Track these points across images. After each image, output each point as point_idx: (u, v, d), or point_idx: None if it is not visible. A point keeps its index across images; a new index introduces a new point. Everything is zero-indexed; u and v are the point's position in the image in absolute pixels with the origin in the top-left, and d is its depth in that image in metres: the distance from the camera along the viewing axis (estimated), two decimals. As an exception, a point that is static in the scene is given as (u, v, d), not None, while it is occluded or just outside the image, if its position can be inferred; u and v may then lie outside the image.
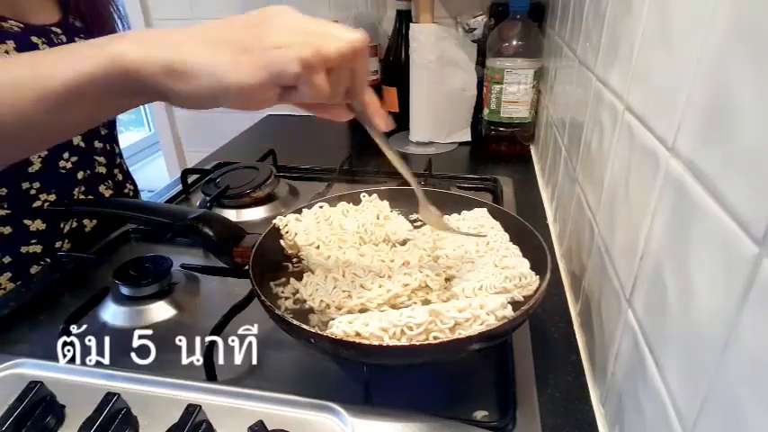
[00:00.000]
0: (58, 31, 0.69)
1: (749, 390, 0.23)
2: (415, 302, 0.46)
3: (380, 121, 0.42)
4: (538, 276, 0.47)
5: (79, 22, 0.74)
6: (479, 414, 0.42)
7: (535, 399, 0.43)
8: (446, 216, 0.58)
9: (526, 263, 0.49)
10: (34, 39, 0.65)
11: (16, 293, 0.60)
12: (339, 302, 0.45)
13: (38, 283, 0.62)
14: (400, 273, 0.48)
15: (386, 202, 0.61)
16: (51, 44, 0.67)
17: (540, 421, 0.41)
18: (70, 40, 0.71)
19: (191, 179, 0.89)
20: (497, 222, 0.56)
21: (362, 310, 0.45)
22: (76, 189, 0.72)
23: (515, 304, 0.44)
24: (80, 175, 0.73)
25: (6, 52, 0.61)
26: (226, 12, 1.22)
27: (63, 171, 0.70)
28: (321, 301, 0.45)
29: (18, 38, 0.63)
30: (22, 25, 0.65)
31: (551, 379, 0.47)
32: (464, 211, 0.59)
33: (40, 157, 0.67)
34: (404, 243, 0.56)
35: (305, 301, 0.47)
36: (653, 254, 0.35)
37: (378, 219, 0.58)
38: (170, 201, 0.83)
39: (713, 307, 0.26)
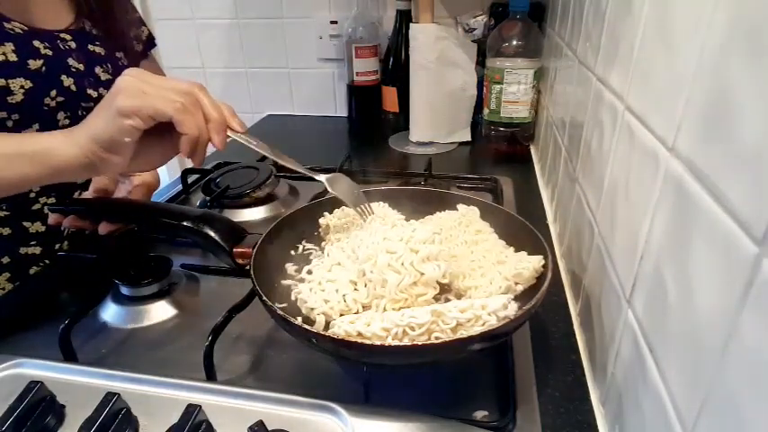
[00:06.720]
0: (68, 37, 0.68)
1: (749, 390, 0.23)
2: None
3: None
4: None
5: (95, 30, 0.73)
6: (479, 414, 0.42)
7: (535, 399, 0.43)
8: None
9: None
10: (36, 43, 0.63)
11: (16, 293, 0.60)
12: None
13: (38, 283, 0.62)
14: None
15: (391, 210, 0.58)
16: (56, 51, 0.65)
17: (540, 421, 0.41)
18: (82, 48, 0.69)
19: (191, 179, 0.89)
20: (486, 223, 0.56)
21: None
22: (76, 193, 0.72)
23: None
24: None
25: (3, 54, 0.60)
26: (225, 12, 1.22)
27: None
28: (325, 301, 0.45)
29: (19, 40, 0.61)
30: (26, 28, 0.63)
31: (551, 379, 0.47)
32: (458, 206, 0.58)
33: None
34: None
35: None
36: (653, 254, 0.35)
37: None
38: (170, 201, 0.83)
39: (713, 307, 0.26)
